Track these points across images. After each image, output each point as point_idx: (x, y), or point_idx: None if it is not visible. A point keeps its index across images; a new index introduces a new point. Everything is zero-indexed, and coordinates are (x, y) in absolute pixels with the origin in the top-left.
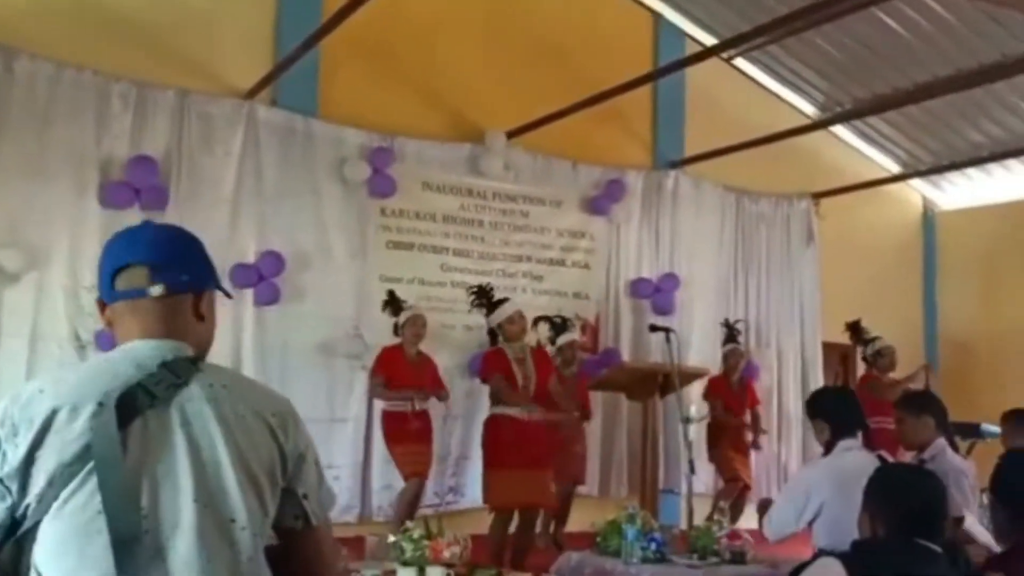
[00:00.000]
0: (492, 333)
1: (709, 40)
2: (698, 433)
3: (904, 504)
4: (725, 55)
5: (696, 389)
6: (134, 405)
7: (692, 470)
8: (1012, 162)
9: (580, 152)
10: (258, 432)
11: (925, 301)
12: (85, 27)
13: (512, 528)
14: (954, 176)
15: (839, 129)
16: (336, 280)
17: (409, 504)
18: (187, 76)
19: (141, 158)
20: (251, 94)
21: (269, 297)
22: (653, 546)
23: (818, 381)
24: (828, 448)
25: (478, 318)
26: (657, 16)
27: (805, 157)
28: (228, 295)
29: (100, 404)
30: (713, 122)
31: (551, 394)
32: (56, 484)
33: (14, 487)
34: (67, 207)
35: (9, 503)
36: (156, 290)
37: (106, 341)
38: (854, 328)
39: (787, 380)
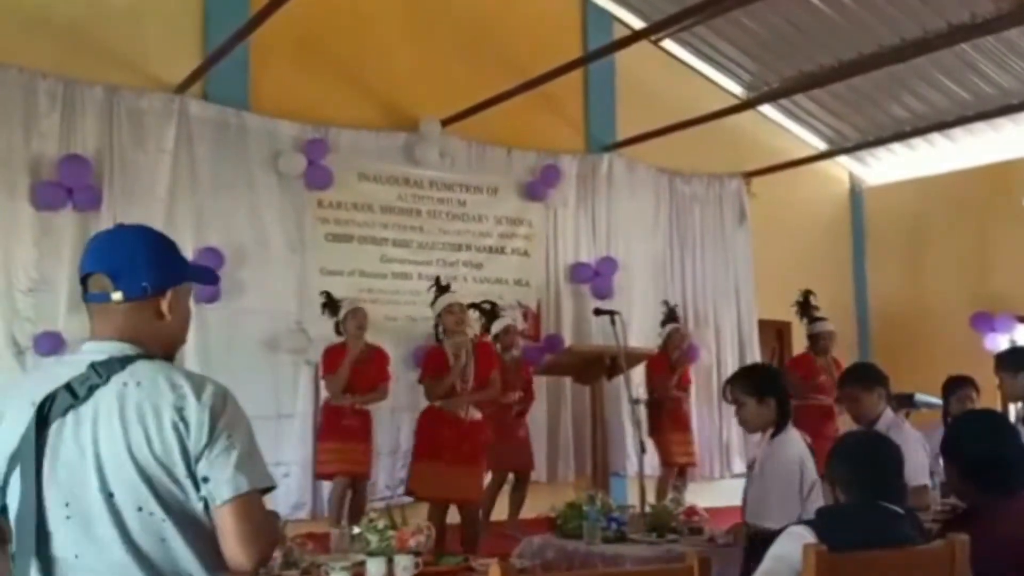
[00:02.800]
0: (437, 326)
1: (636, 22)
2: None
3: (862, 469)
4: (653, 37)
5: (639, 371)
6: (55, 406)
7: (643, 450)
8: (935, 136)
9: (514, 138)
10: (156, 427)
11: (855, 275)
12: (8, 23)
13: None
14: (879, 151)
15: (767, 108)
16: (276, 275)
17: (338, 503)
18: (115, 71)
19: (72, 157)
20: (181, 88)
21: (209, 294)
22: (614, 526)
23: (755, 357)
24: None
25: (421, 309)
26: (585, 0)
27: (735, 137)
28: (211, 281)
29: (31, 404)
30: (644, 104)
31: (490, 387)
32: (5, 475)
33: None
34: None
35: None
36: (116, 296)
37: (44, 345)
38: (804, 302)
39: (725, 357)
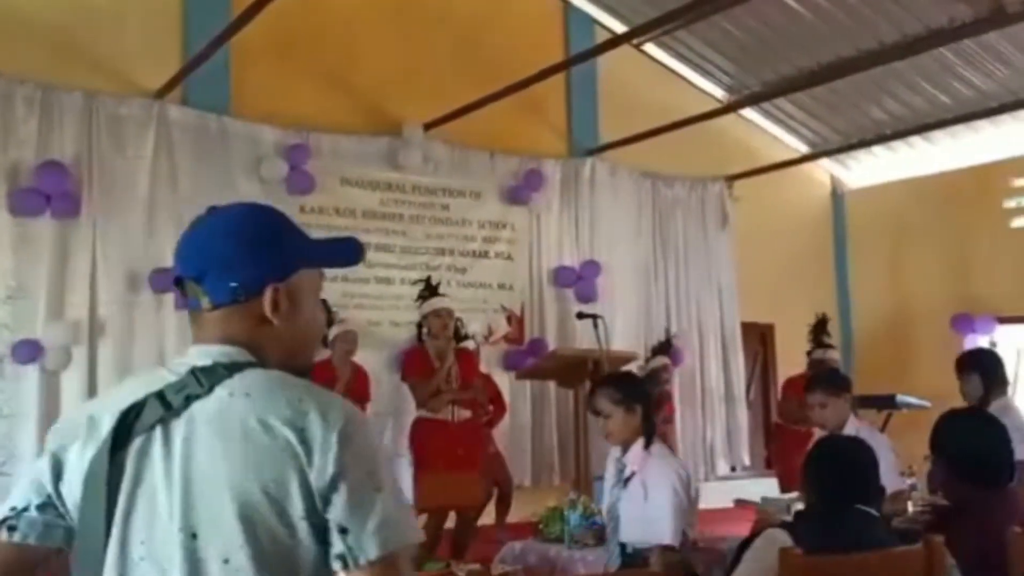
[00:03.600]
0: (420, 327)
1: (617, 26)
2: None
3: (836, 472)
4: (635, 41)
5: None
6: (142, 416)
7: None
8: (915, 138)
9: (497, 142)
10: (268, 451)
11: (837, 277)
12: None
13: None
14: (860, 154)
15: (748, 112)
16: None
17: None
18: (94, 77)
19: (50, 163)
20: (161, 94)
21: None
22: (596, 528)
23: (738, 361)
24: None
25: (404, 314)
26: (566, 4)
27: (717, 140)
28: (345, 260)
29: (111, 414)
30: (626, 108)
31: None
32: (80, 497)
33: (53, 488)
34: None
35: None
36: (205, 303)
37: (22, 354)
38: (820, 326)
39: (709, 361)
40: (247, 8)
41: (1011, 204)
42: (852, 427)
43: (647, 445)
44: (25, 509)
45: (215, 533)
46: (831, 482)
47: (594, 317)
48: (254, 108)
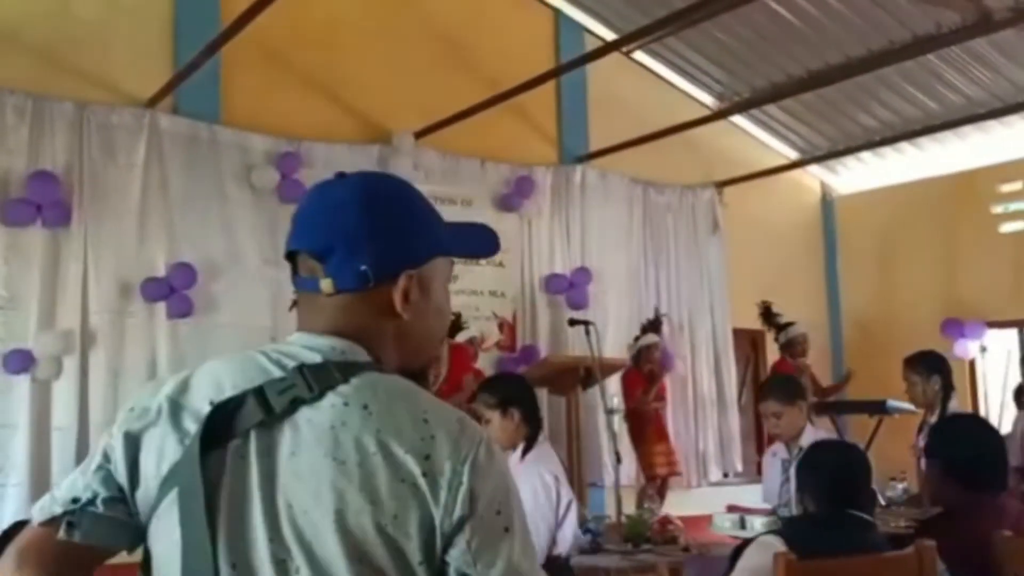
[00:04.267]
0: None
1: (607, 33)
2: (620, 424)
3: (828, 477)
4: (625, 49)
5: (615, 380)
6: (239, 416)
7: (619, 460)
8: (904, 144)
9: (488, 150)
10: (388, 480)
11: (828, 283)
12: None
13: None
14: (849, 160)
15: (738, 118)
16: (250, 289)
17: None
18: (84, 86)
19: (41, 173)
20: (152, 103)
21: (182, 310)
22: (589, 537)
23: (730, 367)
24: None
25: None
26: (556, 12)
27: (707, 147)
28: (484, 251)
29: (209, 401)
30: (616, 115)
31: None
32: (155, 496)
33: (126, 480)
34: None
35: (111, 479)
36: (326, 285)
37: (14, 364)
38: (765, 312)
39: (700, 367)
40: (237, 18)
41: (999, 209)
42: (810, 435)
43: (524, 452)
44: (90, 502)
45: (316, 570)
46: (824, 487)
47: (585, 324)
48: (245, 117)
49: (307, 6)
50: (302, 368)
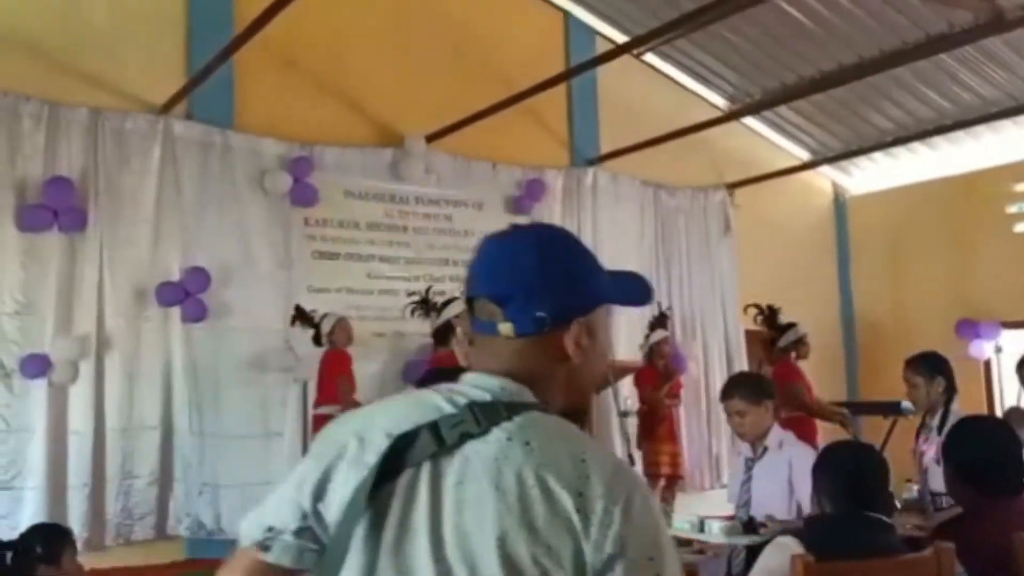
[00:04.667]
0: (441, 332)
1: (618, 36)
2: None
3: (845, 479)
4: (635, 51)
5: (627, 383)
6: (412, 448)
7: (632, 462)
8: (916, 144)
9: (499, 153)
10: (544, 512)
11: (840, 284)
12: None
13: None
14: (861, 161)
15: (749, 120)
16: (263, 293)
17: None
18: (99, 93)
19: (57, 179)
20: (165, 109)
21: (196, 314)
22: None
23: (743, 369)
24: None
25: (408, 324)
26: (567, 15)
27: (718, 149)
28: (639, 300)
29: (387, 435)
30: (627, 118)
31: None
32: (338, 522)
33: (315, 501)
34: None
35: (306, 520)
36: (505, 329)
37: (31, 368)
38: (770, 316)
39: (713, 369)
40: (250, 24)
41: (1013, 209)
42: (776, 437)
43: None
44: (281, 532)
45: None
46: (840, 489)
47: None
48: (258, 122)
49: (319, 12)
50: (472, 405)
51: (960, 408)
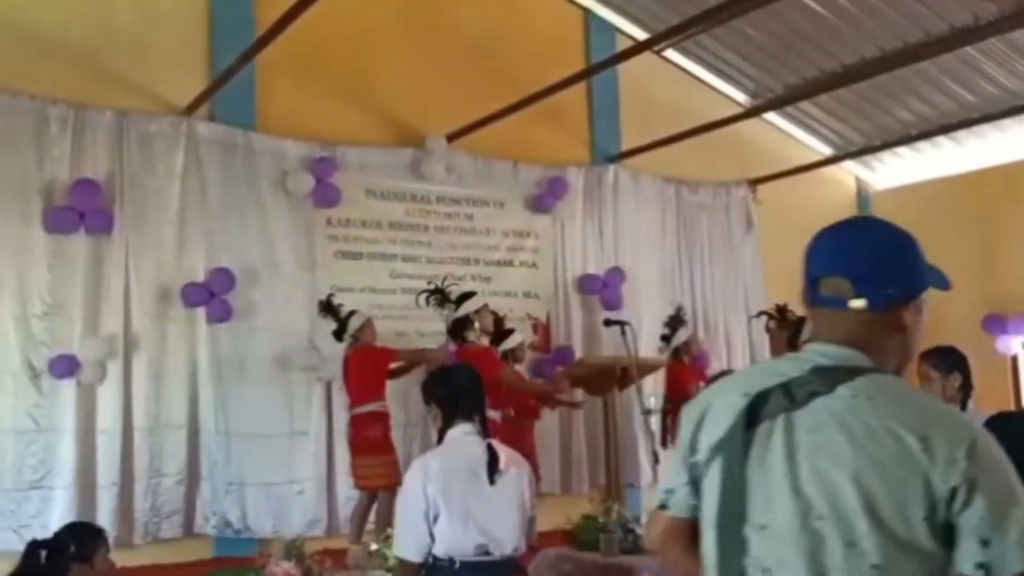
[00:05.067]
0: (458, 326)
1: (638, 32)
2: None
3: None
4: (656, 48)
5: (650, 380)
6: (766, 405)
7: (657, 460)
8: (941, 138)
9: (520, 152)
10: (893, 453)
11: None
12: (17, 51)
13: None
14: (885, 156)
15: (771, 115)
16: (287, 293)
17: (360, 517)
18: (124, 96)
19: (84, 181)
20: (189, 110)
21: (221, 314)
22: (630, 537)
23: None
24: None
25: (431, 324)
26: (587, 12)
27: (740, 145)
28: (942, 286)
29: (744, 395)
30: (648, 114)
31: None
32: (704, 463)
33: (690, 457)
34: (12, 236)
35: (686, 472)
36: (857, 304)
37: (59, 368)
38: (781, 317)
39: (736, 367)
40: (272, 26)
41: None
42: None
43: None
44: (674, 490)
45: (837, 520)
46: None
47: (622, 324)
48: (280, 123)
49: (340, 13)
50: (817, 369)
51: (975, 406)
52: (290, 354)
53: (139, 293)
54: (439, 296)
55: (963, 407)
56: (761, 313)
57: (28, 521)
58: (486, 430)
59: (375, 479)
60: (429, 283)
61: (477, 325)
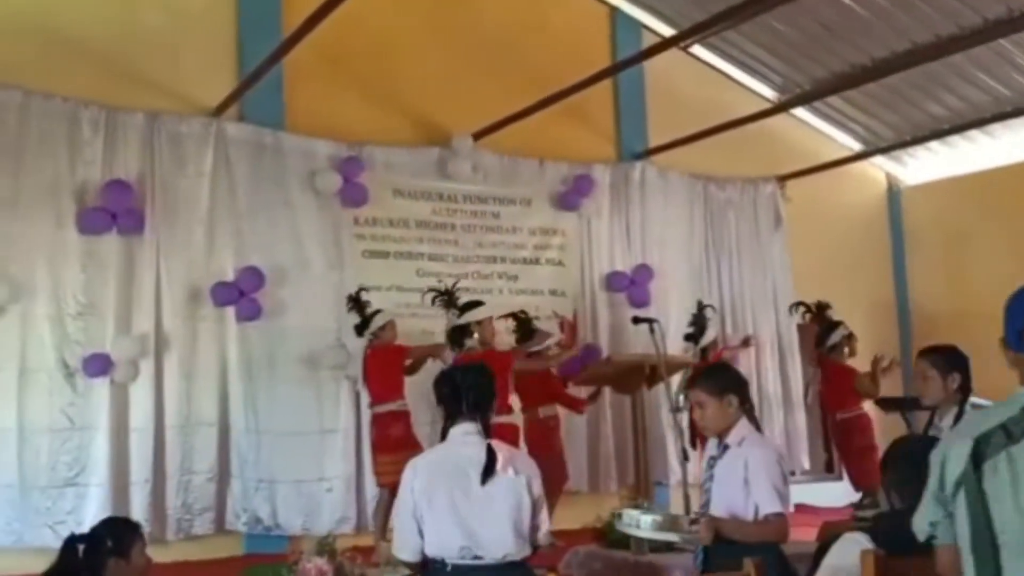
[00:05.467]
0: (456, 333)
1: (664, 29)
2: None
3: (915, 472)
4: (682, 44)
5: (677, 378)
6: (989, 444)
7: (686, 458)
8: (974, 132)
9: (546, 149)
10: None
11: (895, 277)
12: (50, 54)
13: None
14: (917, 151)
15: (800, 111)
16: (315, 292)
17: (383, 514)
18: (154, 97)
19: (115, 182)
20: (218, 111)
21: (251, 313)
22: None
23: (795, 363)
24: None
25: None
26: (613, 9)
27: (768, 141)
28: None
29: (971, 439)
30: (674, 111)
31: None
32: (951, 497)
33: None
34: (46, 236)
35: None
36: None
37: (93, 367)
38: (818, 313)
39: (765, 364)
40: (299, 27)
41: None
42: (738, 434)
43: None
44: (938, 523)
45: None
46: (914, 483)
47: (650, 321)
48: (307, 123)
49: (366, 14)
50: None
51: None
52: (319, 352)
53: (170, 292)
54: (445, 298)
55: (960, 411)
56: (799, 304)
57: (63, 518)
58: (488, 431)
59: (399, 475)
60: (440, 282)
61: (476, 335)
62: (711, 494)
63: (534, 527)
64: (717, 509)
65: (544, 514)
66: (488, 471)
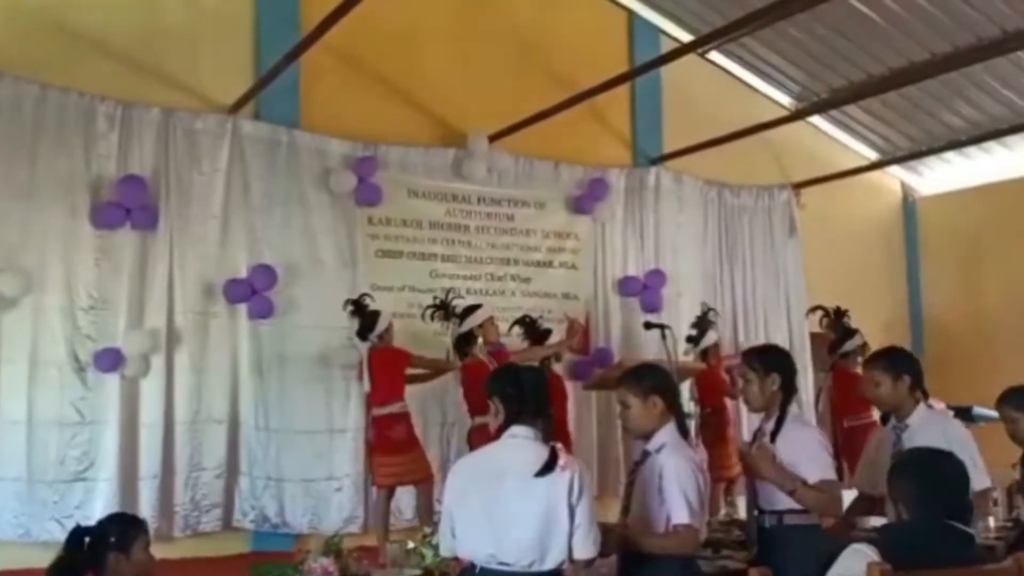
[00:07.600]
0: (463, 341)
1: (682, 34)
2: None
3: (923, 484)
4: (700, 50)
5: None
6: None
7: None
8: (991, 144)
9: (562, 152)
10: None
11: (909, 287)
12: (67, 49)
13: None
14: (932, 161)
15: (816, 119)
16: (328, 291)
17: (383, 515)
18: (171, 93)
19: (130, 177)
20: (234, 109)
21: (263, 311)
22: None
23: (807, 371)
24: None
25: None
26: (631, 14)
27: (784, 148)
28: None
29: None
30: (691, 117)
31: None
32: None
33: None
34: (60, 229)
35: None
36: None
37: (104, 362)
38: (836, 320)
39: None
40: (317, 26)
41: None
42: (659, 440)
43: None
44: None
45: None
46: (920, 495)
47: (662, 327)
48: (323, 122)
49: (384, 14)
50: None
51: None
52: (330, 351)
53: (182, 288)
54: (443, 311)
55: (782, 412)
56: (816, 308)
57: (71, 512)
58: (549, 434)
59: (405, 476)
60: (435, 298)
61: (480, 340)
62: (630, 500)
63: (576, 531)
64: (633, 517)
65: (586, 526)
66: (548, 469)
